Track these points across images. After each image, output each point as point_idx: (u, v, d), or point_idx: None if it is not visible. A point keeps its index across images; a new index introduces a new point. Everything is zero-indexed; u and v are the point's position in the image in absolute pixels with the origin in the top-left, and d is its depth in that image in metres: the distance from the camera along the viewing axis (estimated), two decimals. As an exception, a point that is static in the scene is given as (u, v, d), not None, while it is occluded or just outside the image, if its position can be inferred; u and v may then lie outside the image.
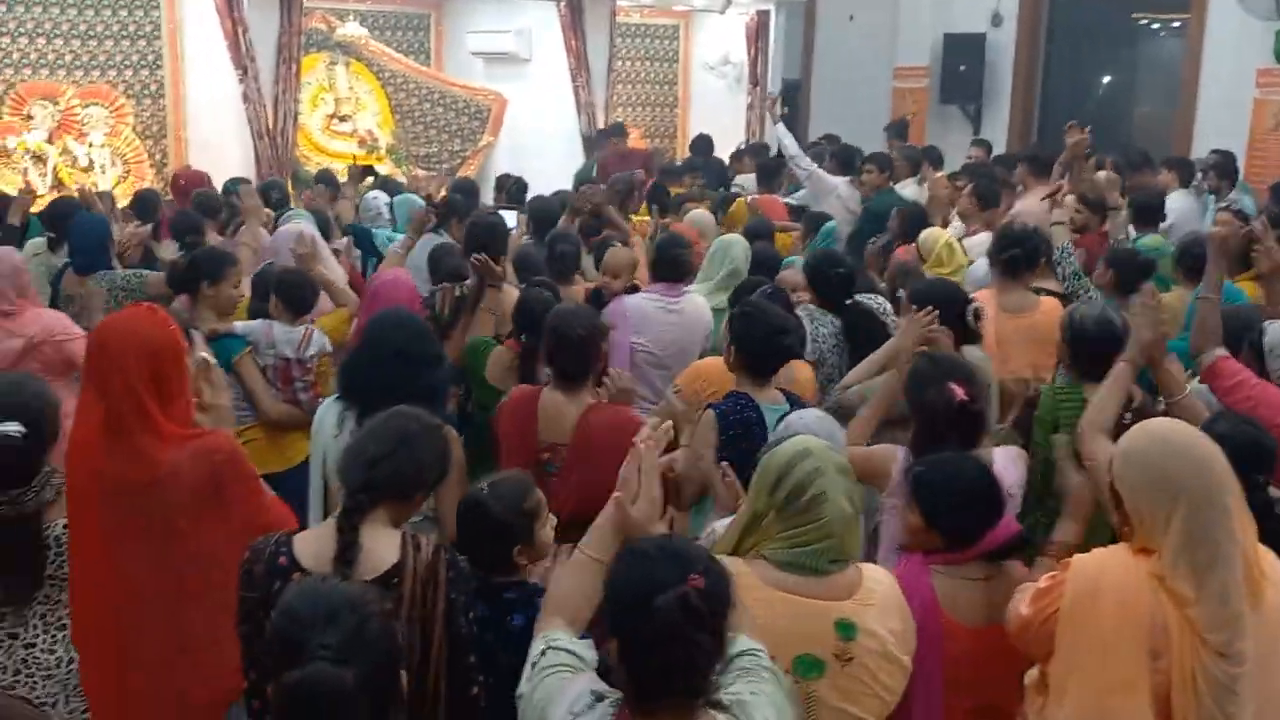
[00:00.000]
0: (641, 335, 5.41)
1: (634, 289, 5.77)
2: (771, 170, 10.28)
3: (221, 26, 11.10)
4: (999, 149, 12.00)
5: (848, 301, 5.27)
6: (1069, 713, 2.68)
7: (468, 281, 5.53)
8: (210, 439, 3.15)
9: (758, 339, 4.18)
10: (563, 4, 13.12)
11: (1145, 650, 2.60)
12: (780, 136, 9.96)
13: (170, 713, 3.11)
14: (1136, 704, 2.59)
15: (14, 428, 3.14)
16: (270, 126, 11.56)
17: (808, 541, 2.75)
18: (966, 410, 3.62)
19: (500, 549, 3.13)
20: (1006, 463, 3.74)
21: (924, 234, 6.69)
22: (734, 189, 10.11)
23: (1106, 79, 14.05)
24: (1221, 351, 4.06)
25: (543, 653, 2.36)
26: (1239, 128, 10.77)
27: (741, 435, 4.01)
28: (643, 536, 2.46)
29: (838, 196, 9.15)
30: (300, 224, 6.21)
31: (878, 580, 2.84)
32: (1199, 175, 9.30)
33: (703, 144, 11.90)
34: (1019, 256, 5.31)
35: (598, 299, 5.79)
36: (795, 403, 4.16)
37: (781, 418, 3.87)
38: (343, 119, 12.86)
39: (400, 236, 6.87)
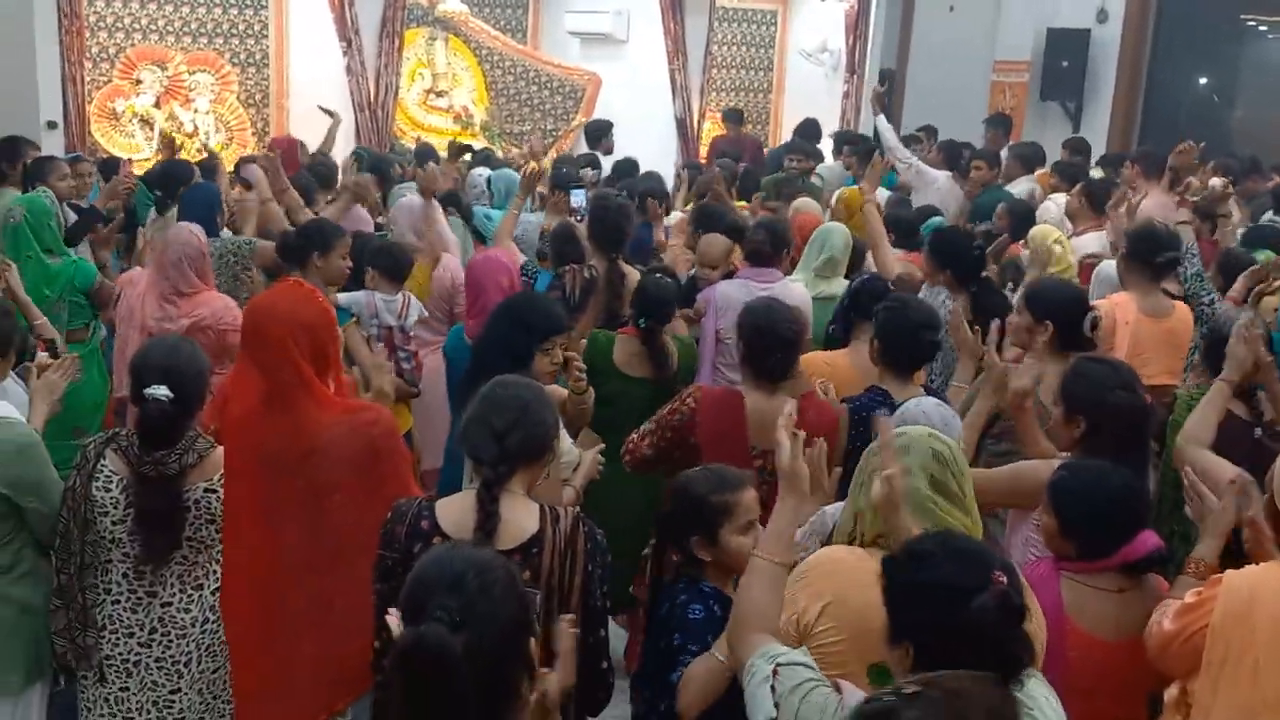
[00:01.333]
0: (724, 321, 5.24)
1: (731, 275, 5.70)
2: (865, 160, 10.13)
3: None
4: (1099, 149, 11.71)
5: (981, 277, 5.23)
6: (1212, 729, 2.64)
7: (592, 263, 5.56)
8: (371, 412, 3.23)
9: (903, 334, 4.10)
10: (662, -13, 13.08)
11: (1300, 672, 2.56)
12: (880, 128, 9.86)
13: (309, 681, 3.16)
14: (1286, 725, 2.55)
15: (162, 391, 3.22)
16: (371, 99, 11.65)
17: None
18: (1153, 416, 3.51)
19: (677, 523, 3.09)
20: None
21: (1034, 230, 6.59)
22: (815, 179, 9.95)
23: (1213, 80, 13.78)
24: None
25: (775, 672, 2.27)
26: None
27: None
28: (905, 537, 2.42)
29: (937, 189, 9.05)
30: (413, 197, 6.27)
31: None
32: (1313, 182, 9.12)
33: (811, 129, 11.59)
34: (1174, 260, 5.15)
35: (692, 288, 5.75)
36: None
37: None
38: (439, 94, 12.90)
39: (497, 214, 6.90)
